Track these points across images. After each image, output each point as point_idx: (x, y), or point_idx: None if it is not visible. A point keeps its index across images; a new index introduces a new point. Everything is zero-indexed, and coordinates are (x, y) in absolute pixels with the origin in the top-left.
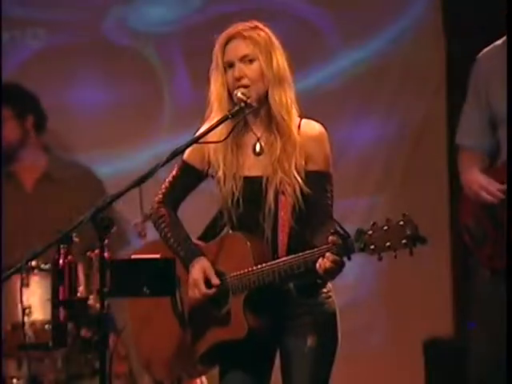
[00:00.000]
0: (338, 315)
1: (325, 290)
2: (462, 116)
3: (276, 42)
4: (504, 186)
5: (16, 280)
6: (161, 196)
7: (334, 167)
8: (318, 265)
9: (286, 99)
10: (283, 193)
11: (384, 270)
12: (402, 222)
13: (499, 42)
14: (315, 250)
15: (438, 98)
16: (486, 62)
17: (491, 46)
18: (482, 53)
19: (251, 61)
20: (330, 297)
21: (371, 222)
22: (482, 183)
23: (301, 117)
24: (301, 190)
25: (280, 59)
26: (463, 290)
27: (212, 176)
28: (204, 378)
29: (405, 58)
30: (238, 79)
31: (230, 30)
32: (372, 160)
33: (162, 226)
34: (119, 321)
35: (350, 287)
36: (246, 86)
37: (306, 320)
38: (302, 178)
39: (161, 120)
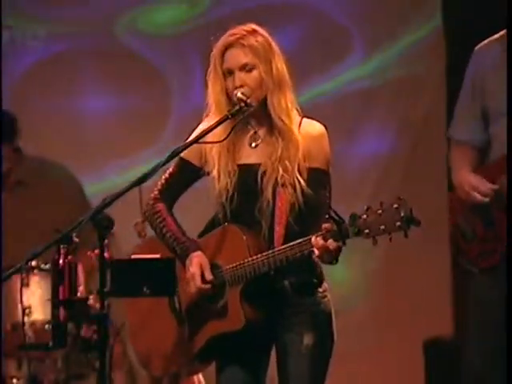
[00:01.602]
0: (333, 314)
1: (321, 290)
2: (456, 109)
3: (274, 46)
4: (495, 186)
5: (16, 280)
6: (157, 192)
7: (334, 168)
8: (313, 242)
9: (285, 103)
10: (282, 186)
11: (384, 269)
12: (396, 205)
13: (496, 35)
14: (310, 236)
15: (438, 98)
16: (482, 56)
17: (488, 39)
18: (478, 46)
19: (251, 69)
20: (325, 296)
21: (365, 207)
22: (473, 184)
23: (301, 116)
24: (301, 189)
25: (279, 64)
26: (462, 290)
27: (208, 173)
28: (201, 376)
29: (405, 59)
30: (238, 88)
31: (228, 37)
32: (372, 161)
33: (158, 221)
34: (116, 320)
35: (349, 287)
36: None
37: (303, 319)
38: (304, 179)
39: (169, 125)
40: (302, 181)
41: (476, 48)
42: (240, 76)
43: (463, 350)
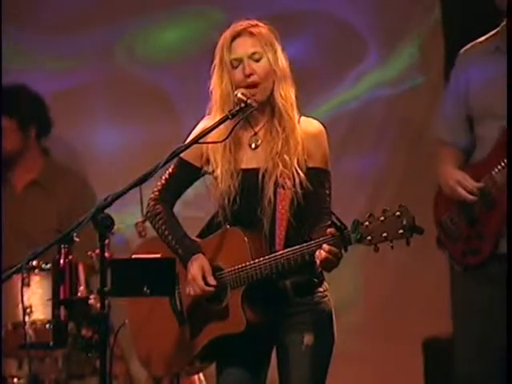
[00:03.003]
0: (333, 314)
1: (321, 290)
2: (441, 111)
3: (278, 40)
4: (480, 184)
5: (17, 280)
6: (157, 193)
7: (334, 168)
8: (316, 255)
9: (290, 95)
10: (283, 186)
11: (384, 269)
12: (398, 213)
13: (481, 38)
14: (312, 242)
15: (438, 99)
16: (467, 58)
17: (474, 42)
18: (463, 49)
19: (259, 58)
20: (326, 296)
21: (367, 214)
22: (458, 178)
23: (299, 115)
24: (301, 184)
25: (283, 57)
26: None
27: (209, 173)
28: (202, 376)
29: (404, 59)
30: (248, 76)
31: (235, 28)
32: (371, 161)
33: (160, 223)
34: (115, 320)
35: (349, 287)
36: (255, 84)
37: (303, 318)
38: (303, 172)
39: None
40: (301, 173)
41: (460, 51)
42: (250, 64)
43: (455, 352)
